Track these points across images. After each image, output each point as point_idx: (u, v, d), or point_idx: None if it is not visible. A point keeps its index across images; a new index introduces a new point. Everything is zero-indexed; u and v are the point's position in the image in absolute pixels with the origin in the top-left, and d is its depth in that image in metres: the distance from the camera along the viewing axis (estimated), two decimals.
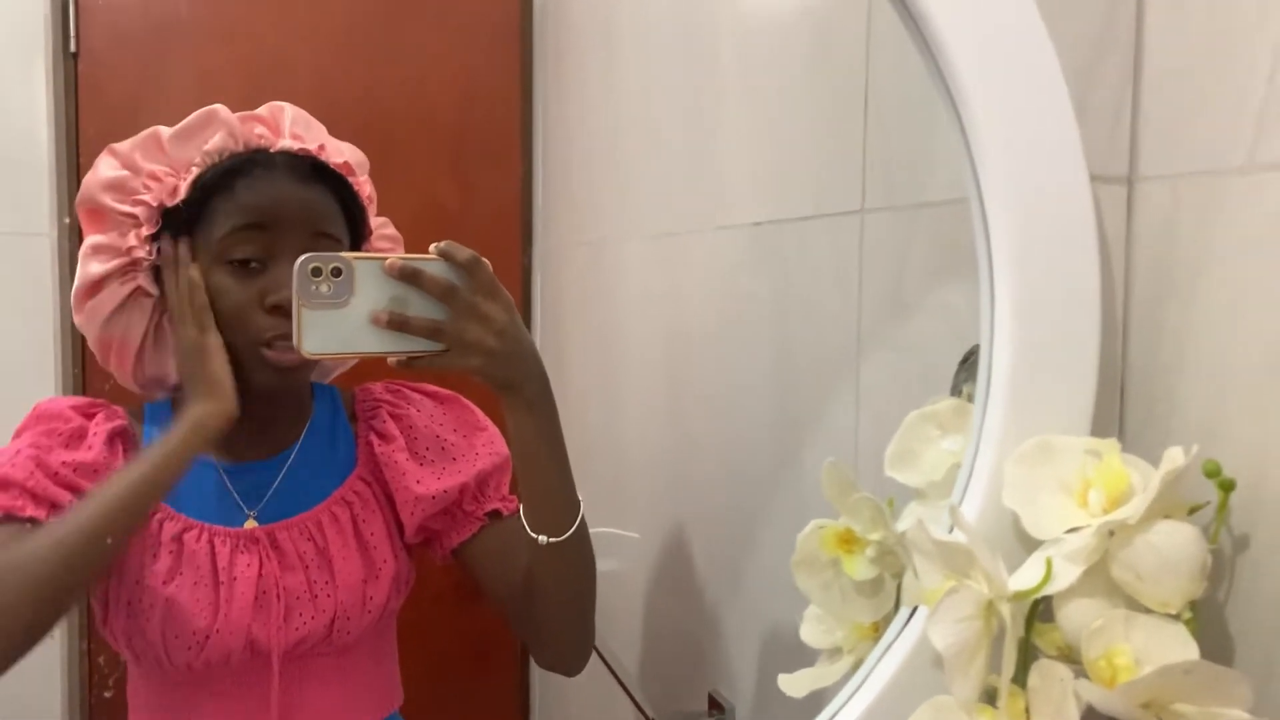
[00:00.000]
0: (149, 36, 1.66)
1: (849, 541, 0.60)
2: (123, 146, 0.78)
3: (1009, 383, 0.55)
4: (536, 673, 1.80)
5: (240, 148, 0.79)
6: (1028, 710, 0.49)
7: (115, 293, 0.78)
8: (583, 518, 0.75)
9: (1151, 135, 0.58)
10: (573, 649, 0.82)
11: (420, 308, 0.63)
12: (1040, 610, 0.52)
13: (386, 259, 0.62)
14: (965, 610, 0.48)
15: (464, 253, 0.65)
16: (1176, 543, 0.48)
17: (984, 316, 0.56)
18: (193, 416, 0.73)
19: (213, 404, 0.74)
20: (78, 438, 0.77)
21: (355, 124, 1.77)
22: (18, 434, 0.78)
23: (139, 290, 0.79)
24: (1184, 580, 0.48)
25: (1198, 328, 0.55)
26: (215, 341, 0.75)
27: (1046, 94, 0.54)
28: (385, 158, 1.76)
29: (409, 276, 0.63)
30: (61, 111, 1.62)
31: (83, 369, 1.58)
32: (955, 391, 0.66)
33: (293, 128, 0.81)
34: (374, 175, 1.71)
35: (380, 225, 0.87)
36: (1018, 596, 0.49)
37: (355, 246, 0.83)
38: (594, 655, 1.38)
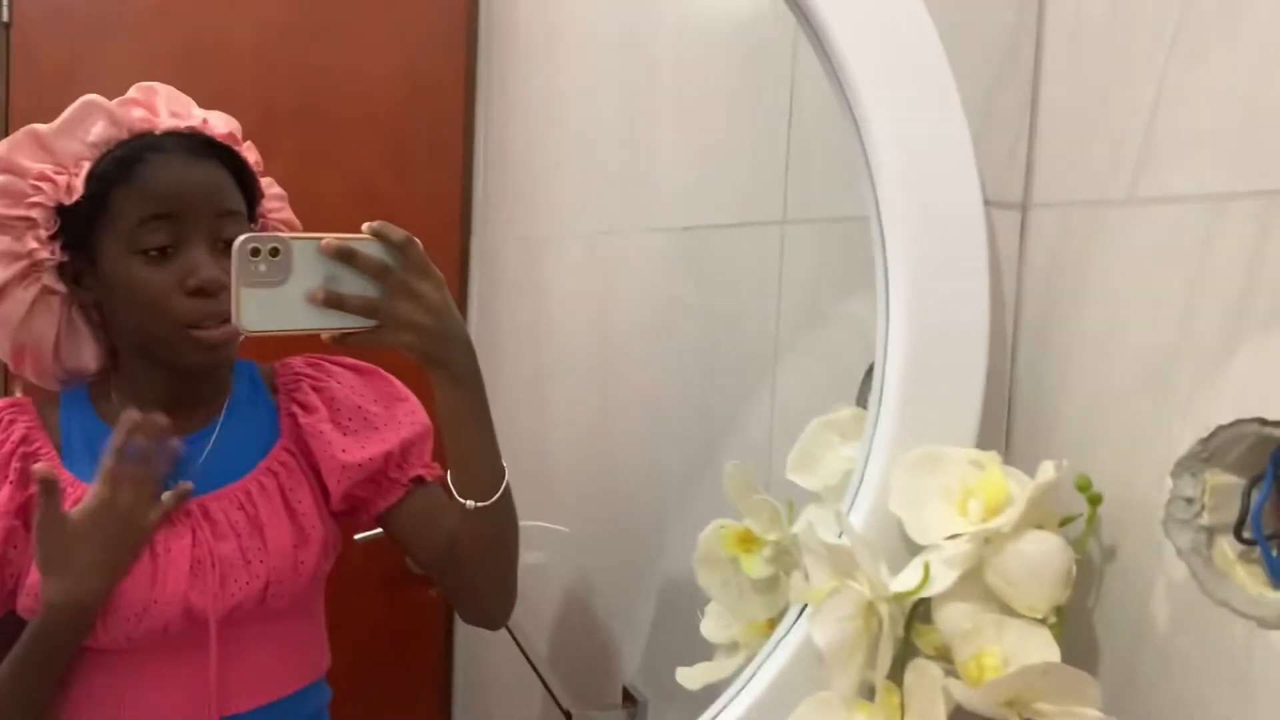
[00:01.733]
0: (86, 9, 1.64)
1: (748, 541, 0.62)
2: None
3: (899, 394, 0.57)
4: (459, 655, 1.82)
5: (125, 134, 0.79)
6: (902, 706, 0.52)
7: (21, 298, 0.79)
8: (507, 484, 0.77)
9: (1046, 165, 0.61)
10: (497, 605, 0.86)
11: (355, 286, 0.65)
12: (921, 612, 0.55)
13: (323, 239, 0.64)
14: (846, 610, 0.51)
15: (397, 233, 0.67)
16: (1044, 551, 0.51)
17: (879, 330, 0.59)
18: (56, 600, 0.76)
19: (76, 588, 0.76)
20: None
21: (295, 107, 1.77)
22: None
23: (45, 290, 0.80)
24: (1049, 587, 0.51)
25: (1078, 349, 0.59)
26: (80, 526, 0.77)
27: (944, 122, 0.57)
28: (325, 144, 1.77)
29: (344, 256, 0.64)
30: None
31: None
32: (860, 401, 0.69)
33: (170, 106, 0.82)
34: (313, 161, 1.72)
35: (268, 185, 0.89)
36: (896, 598, 0.52)
37: (251, 212, 0.85)
38: (515, 646, 1.40)
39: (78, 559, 0.75)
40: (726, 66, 0.98)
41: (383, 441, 0.85)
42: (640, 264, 1.17)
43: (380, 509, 0.86)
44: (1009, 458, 0.62)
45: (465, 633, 1.82)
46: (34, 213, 0.77)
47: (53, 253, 0.78)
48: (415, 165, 1.81)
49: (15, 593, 0.79)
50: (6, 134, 1.57)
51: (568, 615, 1.36)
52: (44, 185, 0.77)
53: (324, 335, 0.66)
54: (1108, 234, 0.57)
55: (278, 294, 0.63)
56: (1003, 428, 0.63)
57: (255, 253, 0.62)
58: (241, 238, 0.62)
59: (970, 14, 0.62)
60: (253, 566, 0.80)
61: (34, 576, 0.77)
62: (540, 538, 1.42)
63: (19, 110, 1.62)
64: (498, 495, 0.76)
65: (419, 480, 0.86)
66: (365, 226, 0.67)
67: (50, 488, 0.74)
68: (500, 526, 0.79)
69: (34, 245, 0.78)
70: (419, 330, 0.68)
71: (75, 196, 0.77)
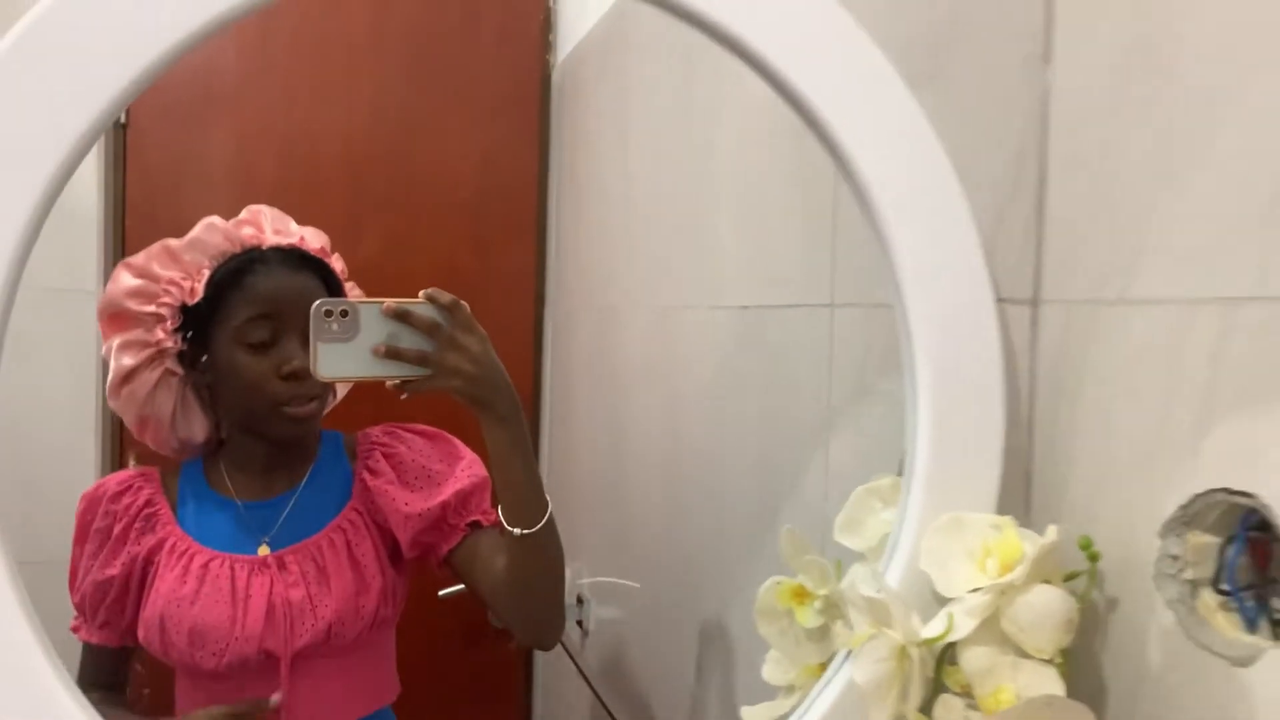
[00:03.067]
0: (191, 110, 1.81)
1: (801, 595, 0.72)
2: (137, 259, 0.95)
3: (927, 467, 0.68)
4: (537, 707, 1.91)
5: (238, 248, 0.96)
6: None
7: (147, 379, 0.96)
8: (550, 514, 0.90)
9: (1052, 266, 0.71)
10: (546, 624, 0.99)
11: (411, 341, 0.80)
12: (948, 655, 0.64)
13: (384, 302, 0.79)
14: (881, 653, 0.61)
15: (445, 296, 0.82)
16: (1047, 601, 0.60)
17: (908, 410, 0.69)
18: None
19: None
20: (116, 542, 0.96)
21: (382, 192, 1.93)
22: (76, 532, 0.97)
23: (166, 372, 0.96)
24: (1054, 632, 0.60)
25: (1083, 429, 0.68)
26: None
27: (957, 232, 0.67)
28: (410, 225, 1.92)
29: (401, 316, 0.79)
30: (109, 178, 1.77)
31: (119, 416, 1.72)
32: (900, 471, 0.79)
33: (274, 225, 0.99)
34: (399, 241, 1.89)
35: (350, 288, 1.05)
36: (926, 643, 0.61)
37: None
38: (590, 694, 1.49)
39: None
40: (777, 157, 1.09)
41: (442, 493, 1.00)
42: (704, 338, 1.28)
43: (444, 551, 1.00)
44: (1028, 522, 0.71)
45: (544, 684, 1.92)
46: (163, 310, 0.94)
47: (175, 342, 0.96)
48: (493, 243, 1.95)
49: (131, 629, 0.96)
50: (124, 221, 1.76)
51: (642, 664, 1.45)
52: (172, 289, 0.94)
53: (387, 383, 0.81)
54: (1103, 329, 0.67)
55: (347, 348, 0.77)
56: (1023, 497, 0.73)
57: (328, 314, 0.77)
58: (318, 302, 0.77)
59: (983, 142, 0.73)
60: (319, 610, 0.94)
61: (148, 612, 0.93)
62: (613, 593, 1.52)
63: (134, 203, 1.80)
64: (542, 523, 0.88)
65: (476, 524, 1.00)
66: (421, 293, 0.81)
67: (260, 708, 0.92)
68: (546, 552, 0.91)
69: (160, 336, 0.95)
70: (465, 377, 0.82)
71: (196, 298, 0.94)
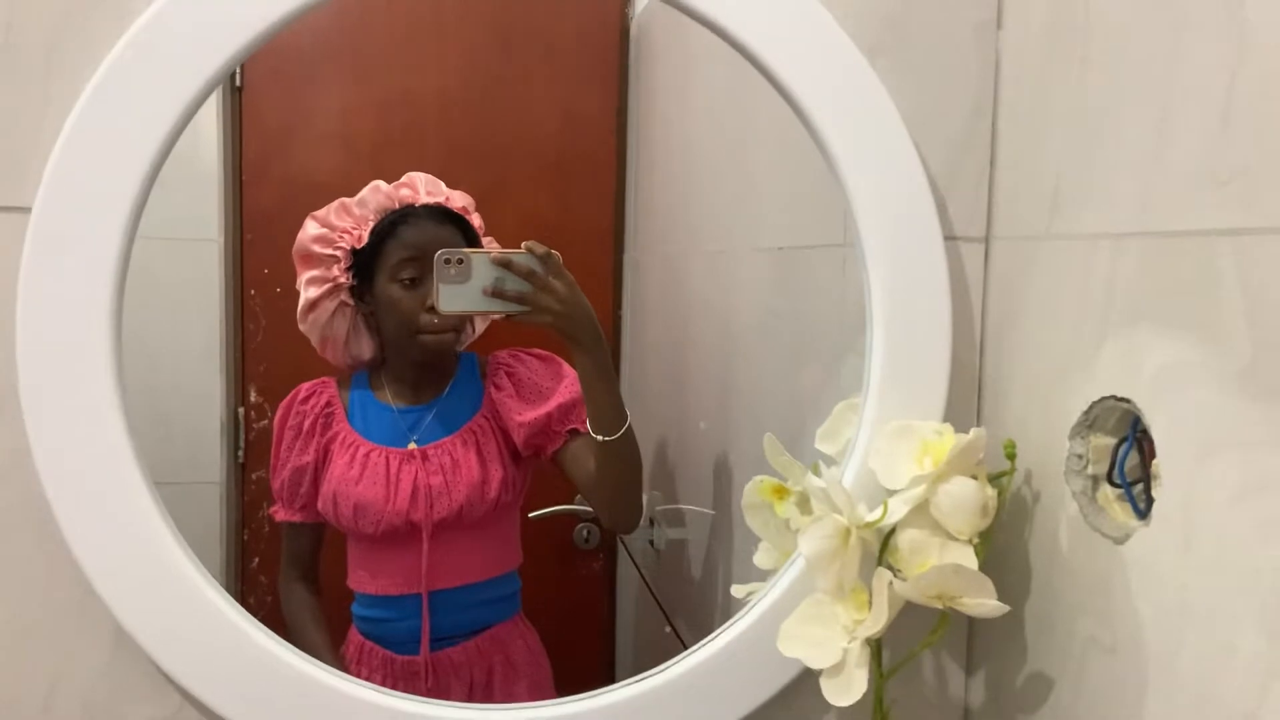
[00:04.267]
0: (299, 73, 1.97)
1: (779, 491, 0.84)
2: (320, 213, 1.18)
3: (879, 383, 0.79)
4: (620, 613, 2.07)
5: (396, 205, 1.18)
6: (869, 603, 0.73)
7: (327, 307, 1.18)
8: (629, 425, 1.11)
9: (1000, 208, 0.81)
10: (625, 511, 1.24)
11: (513, 284, 0.99)
12: (892, 538, 0.76)
13: (492, 252, 1.00)
14: (827, 530, 0.73)
15: (540, 247, 1.01)
16: (965, 490, 0.71)
17: (868, 334, 0.80)
18: None
19: None
20: (306, 435, 1.17)
21: (471, 148, 2.07)
22: (275, 431, 1.19)
23: (342, 304, 1.18)
24: (970, 516, 0.71)
25: (1020, 348, 0.78)
26: None
27: (907, 180, 0.78)
28: (497, 178, 2.06)
29: (504, 264, 1.00)
30: (228, 137, 1.96)
31: (241, 355, 1.93)
32: None
33: (427, 188, 1.22)
34: (488, 192, 2.07)
35: (488, 242, 1.24)
36: (865, 526, 0.73)
37: None
38: (658, 609, 1.63)
39: None
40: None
41: (548, 405, 1.20)
42: (745, 277, 1.40)
43: (550, 451, 1.20)
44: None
45: (624, 603, 2.07)
46: (338, 253, 1.17)
47: (347, 279, 1.17)
48: (574, 194, 2.07)
49: (312, 504, 1.16)
50: (242, 179, 1.95)
51: (707, 578, 1.59)
52: (346, 236, 1.17)
53: (493, 317, 1.03)
54: (1037, 261, 0.77)
55: (463, 288, 0.99)
56: (975, 409, 0.84)
57: (448, 261, 0.99)
58: (440, 251, 0.99)
59: (942, 101, 0.83)
60: (453, 494, 1.16)
61: (325, 489, 1.14)
62: (680, 516, 1.66)
63: (250, 159, 1.98)
64: (621, 432, 1.10)
65: (574, 431, 1.19)
66: (522, 244, 1.02)
67: None
68: (626, 454, 1.13)
69: (336, 273, 1.17)
70: (554, 314, 1.02)
71: (363, 243, 1.16)
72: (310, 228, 1.18)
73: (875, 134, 0.77)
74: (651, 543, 1.84)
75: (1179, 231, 0.61)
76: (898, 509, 0.73)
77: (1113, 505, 0.70)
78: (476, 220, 1.24)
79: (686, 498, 1.66)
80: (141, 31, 0.74)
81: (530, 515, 1.72)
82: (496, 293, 0.99)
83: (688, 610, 1.64)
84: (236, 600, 0.83)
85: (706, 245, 1.59)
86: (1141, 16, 0.65)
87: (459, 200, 1.23)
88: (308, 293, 1.17)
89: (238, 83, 1.97)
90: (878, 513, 0.74)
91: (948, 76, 0.82)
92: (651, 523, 1.83)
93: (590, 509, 1.28)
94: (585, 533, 2.08)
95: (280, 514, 1.20)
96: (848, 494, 0.74)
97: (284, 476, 1.18)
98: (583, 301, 1.05)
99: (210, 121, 1.95)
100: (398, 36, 2.05)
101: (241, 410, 1.68)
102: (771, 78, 0.77)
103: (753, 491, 0.85)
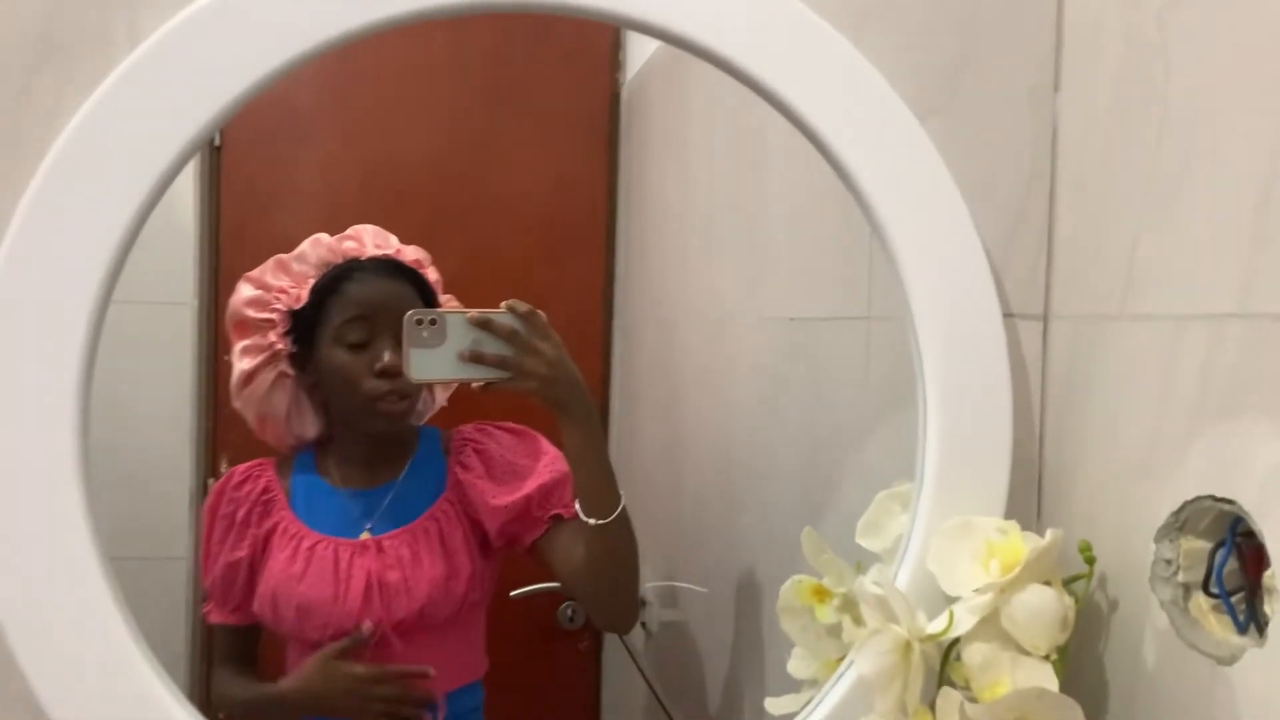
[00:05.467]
0: (281, 134, 1.91)
1: (820, 593, 0.76)
2: (254, 273, 1.06)
3: (936, 474, 0.71)
4: (605, 706, 1.96)
5: (340, 259, 1.06)
6: None
7: (264, 379, 1.05)
8: (624, 506, 0.98)
9: (1061, 283, 0.75)
10: (622, 610, 1.10)
11: (493, 347, 0.88)
12: (954, 651, 0.68)
13: (469, 312, 0.88)
14: (885, 646, 0.65)
15: (523, 306, 0.90)
16: (1042, 600, 0.64)
17: (920, 421, 0.73)
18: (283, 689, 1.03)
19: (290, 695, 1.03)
20: (241, 526, 1.06)
21: (458, 211, 2.01)
22: (205, 522, 1.07)
23: (281, 374, 1.06)
24: (1048, 629, 0.63)
25: (1087, 439, 0.71)
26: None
27: (965, 251, 0.71)
28: (485, 241, 1.99)
29: (483, 324, 0.88)
30: (205, 197, 1.89)
31: (213, 421, 1.83)
32: None
33: (374, 240, 1.09)
34: (475, 255, 1.98)
35: (447, 299, 1.13)
36: (928, 638, 0.65)
37: None
38: (654, 698, 1.54)
39: (309, 681, 1.01)
40: (822, 174, 1.14)
41: (526, 487, 1.07)
42: (751, 348, 1.33)
43: (528, 541, 1.07)
44: (1039, 528, 0.75)
45: (611, 689, 1.97)
46: (274, 315, 1.04)
47: (286, 345, 1.05)
48: (565, 258, 2.01)
49: (247, 604, 1.04)
50: (219, 241, 1.87)
51: (705, 662, 1.50)
52: (282, 296, 1.05)
53: (472, 384, 0.90)
54: (1106, 343, 0.70)
55: (436, 353, 0.87)
56: (1034, 503, 0.76)
57: (419, 322, 0.86)
58: (410, 312, 0.87)
59: (996, 166, 0.76)
60: (412, 592, 1.03)
61: (263, 588, 1.02)
62: (675, 596, 1.57)
63: (228, 221, 1.91)
64: (615, 514, 0.97)
65: (558, 517, 1.07)
66: (502, 303, 0.90)
67: (356, 641, 1.01)
68: (620, 541, 1.00)
69: (273, 339, 1.05)
70: (540, 379, 0.90)
71: (302, 303, 1.04)
72: (243, 290, 1.05)
73: (930, 201, 0.71)
74: (644, 624, 1.75)
75: None
76: (965, 620, 0.65)
77: (1208, 617, 0.63)
78: (432, 274, 1.12)
79: (682, 575, 1.57)
80: (109, 97, 0.66)
81: (512, 594, 1.63)
82: (474, 357, 0.88)
83: (685, 698, 1.54)
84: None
85: (708, 312, 1.52)
86: (1231, 78, 0.60)
87: (411, 253, 1.11)
88: (242, 364, 1.05)
89: (216, 142, 1.90)
90: (940, 623, 0.66)
91: (1000, 142, 0.76)
92: (643, 602, 1.74)
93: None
94: (570, 612, 1.98)
95: (214, 615, 1.08)
96: (908, 602, 0.66)
97: (216, 574, 1.05)
98: (570, 366, 0.93)
99: (187, 181, 1.88)
100: (384, 97, 1.99)
101: (211, 481, 1.58)
102: (818, 142, 0.70)
103: (790, 593, 0.77)
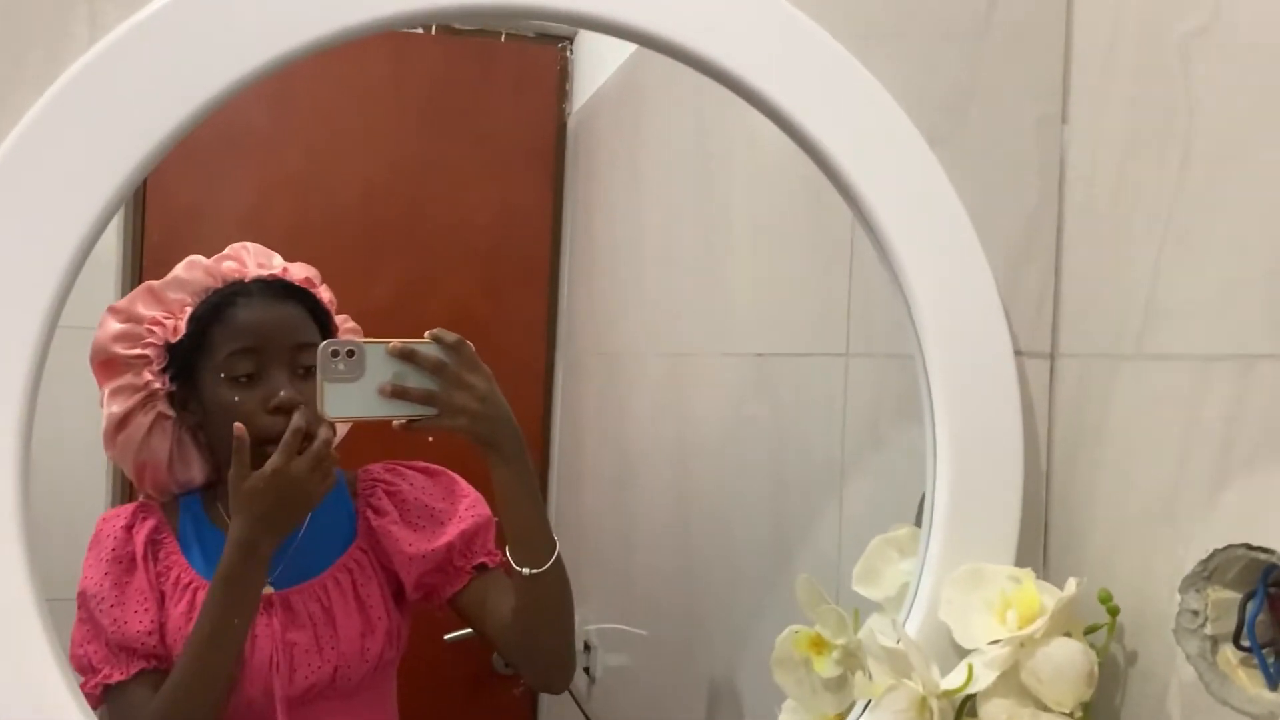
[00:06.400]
0: (211, 157, 1.83)
1: (818, 645, 0.72)
2: (121, 304, 0.93)
3: (946, 518, 0.68)
4: None
5: (220, 283, 0.94)
6: None
7: (141, 423, 0.93)
8: (559, 554, 0.89)
9: (1069, 319, 0.72)
10: (557, 667, 0.98)
11: (417, 380, 0.80)
12: (969, 707, 0.64)
13: (390, 342, 0.79)
14: (901, 704, 0.60)
15: (450, 336, 0.81)
16: (1068, 655, 0.60)
17: (928, 461, 0.69)
18: (234, 536, 0.88)
19: (248, 530, 0.88)
20: (123, 579, 0.93)
21: (396, 239, 1.94)
22: (86, 563, 0.94)
23: (160, 416, 0.94)
24: (1074, 685, 0.60)
25: (1100, 481, 0.68)
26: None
27: (975, 286, 0.68)
28: (424, 271, 1.93)
29: (407, 356, 0.79)
30: (129, 221, 1.79)
31: None
32: (917, 521, 0.79)
33: (257, 259, 0.98)
34: (412, 283, 1.90)
35: (343, 321, 1.03)
36: (946, 695, 0.61)
37: None
38: None
39: (254, 507, 0.88)
40: (793, 206, 1.10)
41: (446, 534, 0.98)
42: (716, 385, 1.28)
43: (448, 594, 0.98)
44: (1046, 575, 0.72)
45: None
46: (148, 351, 0.92)
47: (164, 384, 0.93)
48: (506, 289, 1.96)
49: (162, 651, 0.92)
50: (143, 262, 1.77)
51: (649, 714, 1.44)
52: (156, 329, 0.92)
53: (393, 423, 0.80)
54: (1120, 382, 0.67)
55: (354, 388, 0.78)
56: (1040, 548, 0.73)
57: (335, 354, 0.77)
58: (324, 342, 0.78)
59: (1001, 198, 0.74)
60: (324, 653, 0.93)
61: (170, 635, 0.91)
62: (621, 640, 1.51)
63: (153, 242, 1.82)
64: (550, 563, 0.88)
65: (482, 567, 0.98)
66: (426, 333, 0.81)
67: (241, 444, 0.88)
68: (554, 592, 0.90)
69: (149, 378, 0.92)
70: (470, 415, 0.82)
71: (179, 335, 0.92)
72: (109, 324, 0.92)
73: (941, 231, 0.68)
74: (587, 670, 1.69)
75: None
76: (984, 675, 0.61)
77: (1237, 672, 0.60)
78: (325, 294, 1.01)
79: (631, 619, 1.52)
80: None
81: (446, 638, 1.55)
82: (397, 392, 0.79)
83: None
84: None
85: (664, 348, 1.48)
86: (1260, 108, 0.58)
87: (299, 271, 0.99)
88: (113, 407, 0.92)
89: None
90: (958, 678, 0.62)
91: (1006, 174, 0.74)
92: (586, 647, 1.68)
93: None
94: None
95: (116, 672, 0.92)
96: (924, 655, 0.62)
97: (103, 624, 0.91)
98: (502, 401, 0.84)
99: None
100: (321, 117, 1.92)
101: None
102: (835, 174, 0.66)
103: (787, 645, 0.72)
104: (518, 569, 0.88)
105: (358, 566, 0.97)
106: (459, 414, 0.82)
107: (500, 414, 0.84)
